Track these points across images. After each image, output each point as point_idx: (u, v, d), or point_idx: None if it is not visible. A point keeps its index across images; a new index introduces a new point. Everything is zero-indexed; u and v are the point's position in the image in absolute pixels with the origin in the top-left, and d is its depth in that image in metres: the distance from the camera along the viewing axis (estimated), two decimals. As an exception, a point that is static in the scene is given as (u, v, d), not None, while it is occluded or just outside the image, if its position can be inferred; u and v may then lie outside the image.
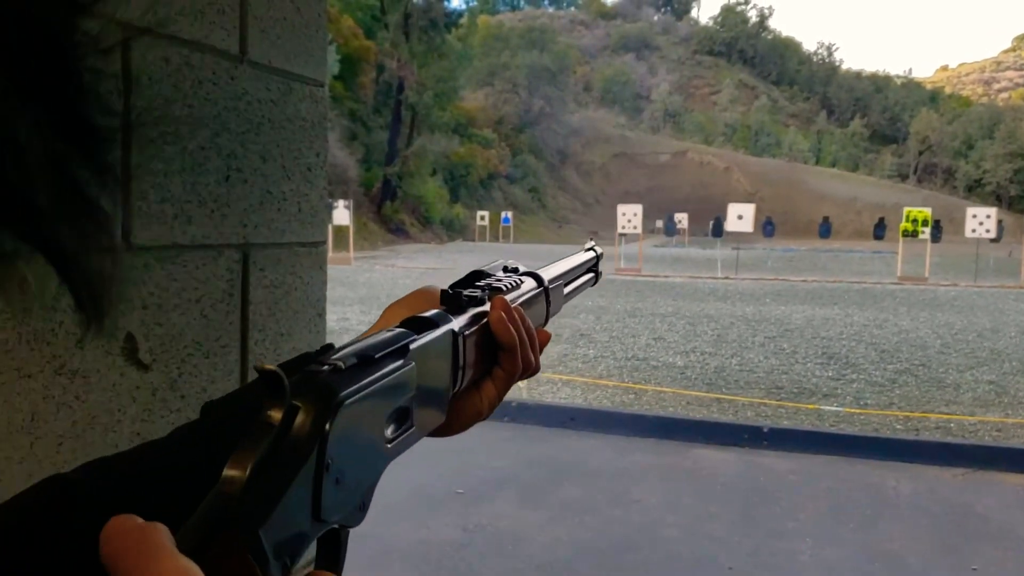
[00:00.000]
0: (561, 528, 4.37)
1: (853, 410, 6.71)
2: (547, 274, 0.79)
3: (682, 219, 38.82)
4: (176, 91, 0.95)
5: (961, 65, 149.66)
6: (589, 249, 0.93)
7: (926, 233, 20.49)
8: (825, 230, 31.27)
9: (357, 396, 0.43)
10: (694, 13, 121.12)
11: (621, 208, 21.81)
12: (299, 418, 0.40)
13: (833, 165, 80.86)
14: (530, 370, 0.68)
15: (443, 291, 0.63)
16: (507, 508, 4.61)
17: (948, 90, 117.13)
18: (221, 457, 0.38)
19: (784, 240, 43.23)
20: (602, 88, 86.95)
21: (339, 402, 0.41)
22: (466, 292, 0.63)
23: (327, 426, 0.40)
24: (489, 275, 0.71)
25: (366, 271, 20.35)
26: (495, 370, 0.66)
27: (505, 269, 0.74)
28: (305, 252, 1.25)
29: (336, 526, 0.43)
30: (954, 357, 9.15)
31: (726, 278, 20.13)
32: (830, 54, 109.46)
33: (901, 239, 20.94)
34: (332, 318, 11.05)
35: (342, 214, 23.01)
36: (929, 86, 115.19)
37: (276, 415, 0.39)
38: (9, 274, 0.25)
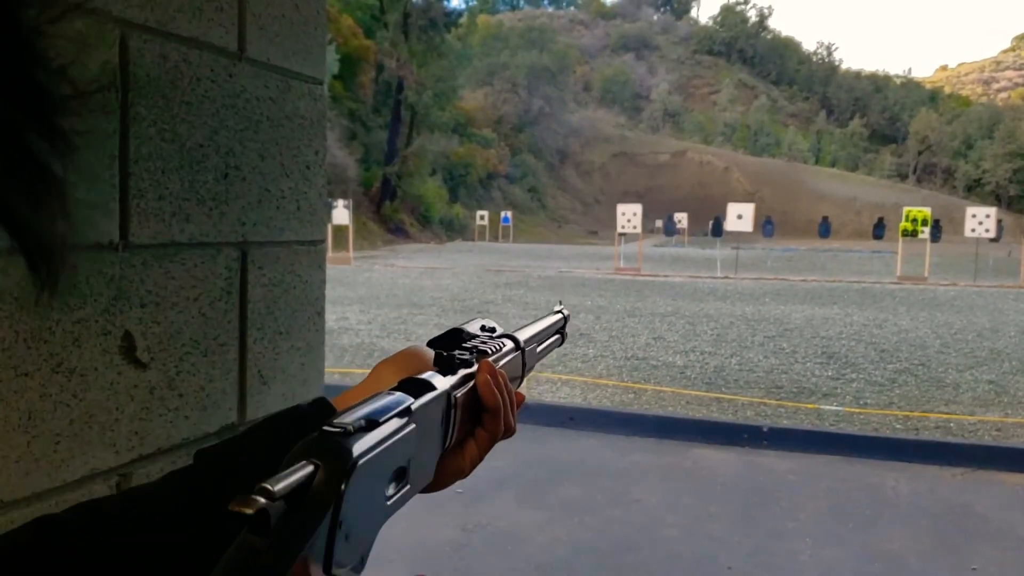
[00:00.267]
0: (560, 528, 4.37)
1: (853, 409, 6.70)
2: (523, 335, 0.82)
3: (681, 219, 38.83)
4: (174, 88, 0.94)
5: (960, 65, 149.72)
6: (558, 311, 0.96)
7: (925, 233, 20.49)
8: (824, 230, 31.25)
9: (368, 456, 0.46)
10: (693, 13, 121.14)
11: (621, 208, 21.80)
12: (318, 476, 0.43)
13: (832, 165, 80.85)
14: (508, 431, 0.70)
15: (437, 353, 0.66)
16: (506, 508, 4.60)
17: (947, 90, 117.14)
18: (211, 506, 0.39)
19: (783, 240, 43.24)
20: (601, 88, 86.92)
21: (354, 463, 0.44)
22: (456, 354, 0.66)
23: (343, 486, 0.43)
24: (469, 334, 0.73)
25: (365, 271, 20.35)
26: (478, 431, 0.68)
27: (483, 328, 0.77)
28: (304, 250, 1.24)
29: None
30: (953, 357, 9.15)
31: (725, 278, 20.12)
32: (829, 54, 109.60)
33: (900, 239, 20.94)
34: (331, 317, 11.05)
35: (341, 214, 23.00)
36: (928, 86, 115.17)
37: (301, 471, 0.42)
38: None
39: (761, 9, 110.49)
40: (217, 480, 0.44)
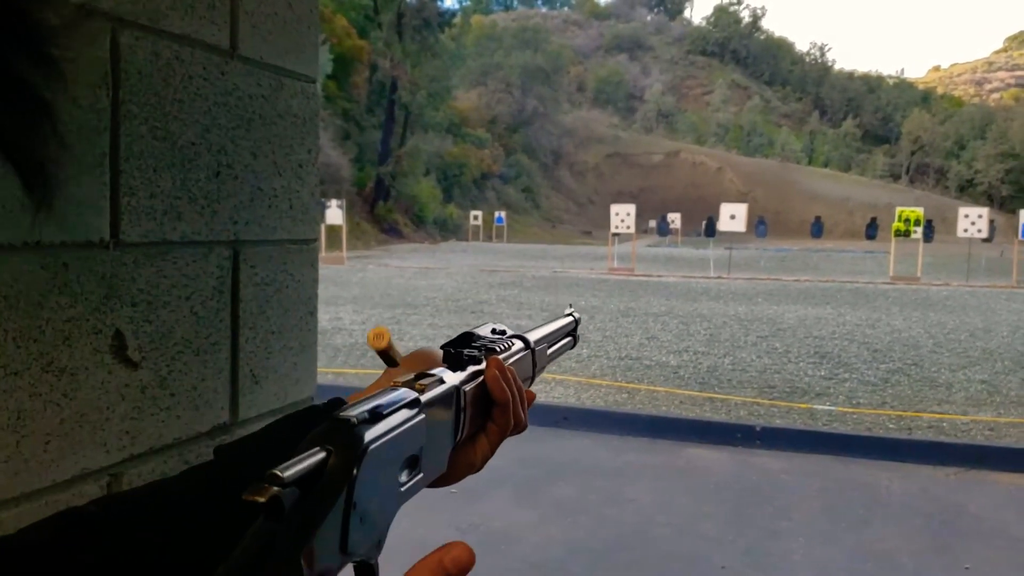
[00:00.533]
0: (554, 527, 4.37)
1: (846, 409, 6.72)
2: (533, 336, 0.85)
3: (675, 219, 38.87)
4: (166, 86, 0.94)
5: (953, 65, 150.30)
6: (569, 314, 1.00)
7: (918, 233, 20.56)
8: (817, 230, 31.33)
9: (379, 443, 0.48)
10: (687, 13, 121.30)
11: (615, 208, 21.83)
12: (331, 461, 0.45)
13: (825, 165, 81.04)
14: (519, 426, 0.72)
15: (445, 351, 0.68)
16: (501, 507, 4.60)
17: (940, 90, 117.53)
18: (231, 501, 0.40)
19: (776, 240, 43.34)
20: (595, 88, 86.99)
21: (365, 448, 0.46)
22: (465, 352, 0.68)
23: (355, 470, 0.45)
24: (479, 336, 0.76)
25: (359, 271, 20.33)
26: (488, 425, 0.70)
27: (493, 331, 0.79)
28: (296, 249, 1.24)
29: (360, 560, 0.48)
30: (946, 356, 9.18)
31: (719, 278, 20.16)
32: (822, 54, 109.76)
33: (893, 239, 21.01)
34: (325, 318, 11.03)
35: (335, 214, 22.98)
36: (921, 86, 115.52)
37: (313, 457, 0.44)
38: None
39: (754, 10, 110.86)
40: (237, 475, 0.45)
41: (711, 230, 24.74)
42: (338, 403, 0.62)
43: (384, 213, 38.96)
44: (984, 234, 21.19)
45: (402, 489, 0.53)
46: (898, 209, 21.67)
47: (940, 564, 4.06)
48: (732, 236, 23.16)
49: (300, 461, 0.44)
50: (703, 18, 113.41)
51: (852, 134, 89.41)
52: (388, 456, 0.49)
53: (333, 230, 23.30)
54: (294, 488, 0.42)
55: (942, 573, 3.97)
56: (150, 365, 0.96)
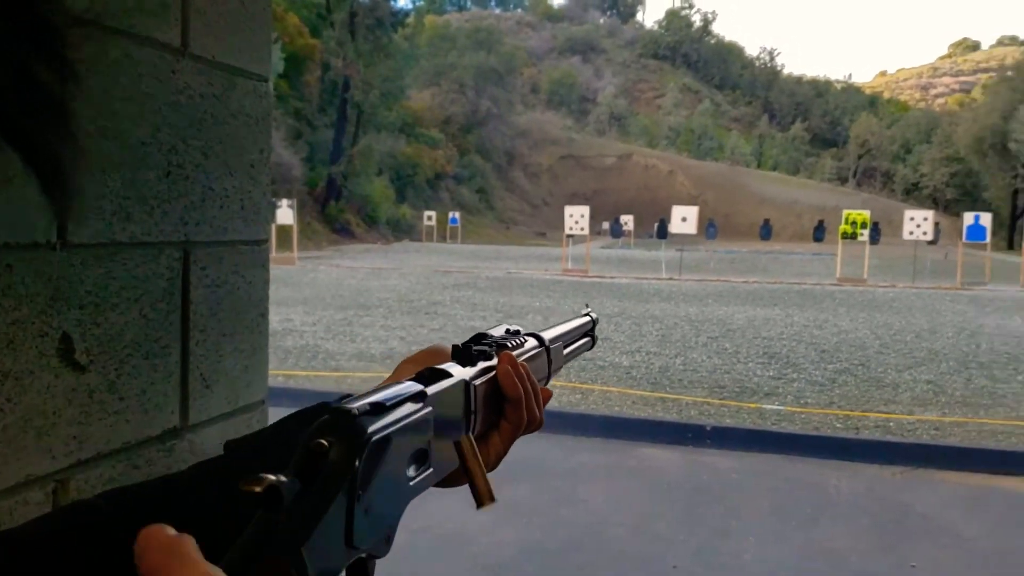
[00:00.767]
0: (508, 529, 4.38)
1: (794, 409, 6.84)
2: (548, 335, 0.84)
3: (628, 221, 39.21)
4: (115, 84, 0.92)
5: (899, 71, 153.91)
6: (586, 314, 0.99)
7: (865, 235, 21.03)
8: (766, 232, 31.85)
9: (382, 434, 0.47)
10: (639, 17, 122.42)
11: (568, 210, 21.94)
12: (333, 452, 0.44)
13: (774, 168, 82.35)
14: (534, 423, 0.72)
15: (454, 346, 0.68)
16: (453, 509, 4.59)
17: (887, 95, 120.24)
18: (238, 493, 0.40)
19: (726, 242, 43.94)
20: (549, 90, 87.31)
21: (367, 438, 0.46)
22: (476, 347, 0.68)
23: (357, 461, 0.44)
24: (492, 336, 0.75)
25: (310, 271, 20.13)
26: (501, 423, 0.69)
27: (507, 331, 0.78)
28: (248, 250, 1.22)
29: (364, 555, 0.47)
30: (892, 357, 9.40)
31: (670, 279, 20.38)
32: (772, 59, 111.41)
33: (840, 241, 21.45)
34: (275, 319, 10.90)
35: (286, 213, 22.73)
36: (868, 91, 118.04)
37: (315, 449, 0.44)
38: None
39: (705, 14, 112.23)
40: (246, 469, 0.45)
41: (663, 232, 25.00)
42: (347, 397, 0.61)
43: (336, 213, 38.62)
44: (929, 236, 21.73)
45: (411, 484, 0.52)
46: (845, 212, 22.16)
47: (887, 563, 4.15)
48: (683, 238, 23.45)
49: (302, 451, 0.44)
50: (655, 22, 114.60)
51: (800, 138, 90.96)
52: (393, 448, 0.49)
53: (284, 230, 23.03)
54: (295, 479, 0.41)
55: (889, 572, 4.06)
56: (98, 368, 0.94)
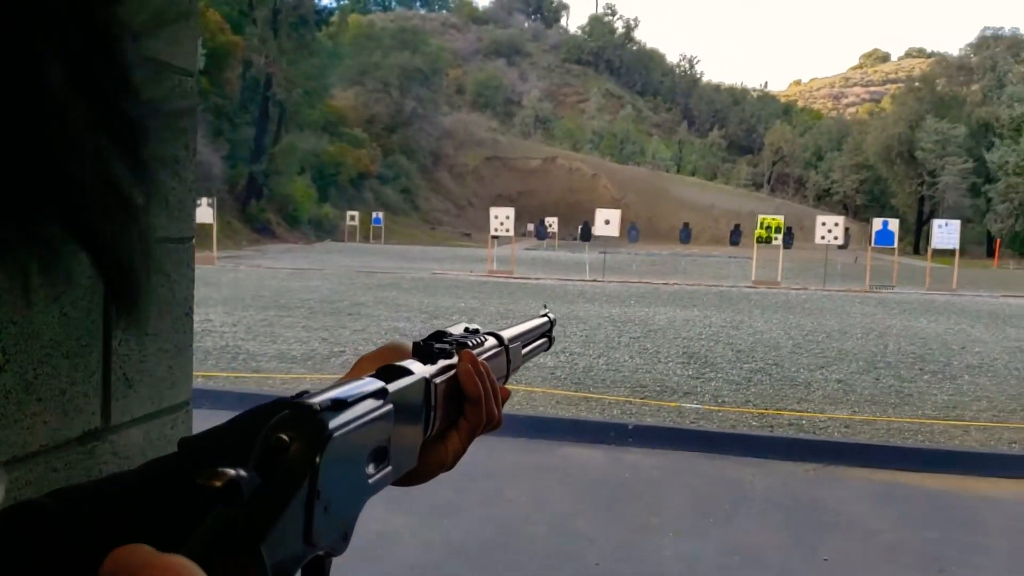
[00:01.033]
0: (432, 530, 4.37)
1: (712, 407, 7.01)
2: (507, 334, 0.85)
3: (552, 223, 39.48)
4: (36, 76, 0.90)
5: (812, 80, 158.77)
6: (544, 315, 1.00)
7: (779, 239, 21.67)
8: (685, 236, 32.49)
9: (343, 431, 0.46)
10: (563, 22, 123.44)
11: (494, 211, 22.02)
12: (293, 448, 0.43)
13: (693, 174, 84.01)
14: (493, 423, 0.71)
15: (415, 343, 0.67)
16: (376, 511, 4.56)
17: (800, 104, 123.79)
18: (193, 490, 0.39)
19: (648, 245, 44.71)
20: (474, 92, 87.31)
21: (329, 435, 0.45)
22: (436, 345, 0.67)
23: (318, 457, 0.43)
24: (451, 334, 0.74)
25: (230, 271, 19.69)
26: (460, 421, 0.68)
27: (466, 330, 0.77)
28: (172, 248, 1.20)
29: (322, 553, 0.46)
30: (805, 357, 9.70)
31: (594, 281, 20.62)
32: (691, 67, 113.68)
33: (755, 245, 22.06)
34: (194, 319, 10.61)
35: (205, 212, 22.19)
36: (783, 99, 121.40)
37: (274, 444, 0.43)
38: (54, 262, 0.26)
39: (628, 21, 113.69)
40: (201, 466, 0.44)
41: (587, 234, 25.28)
42: (304, 394, 0.60)
43: (256, 212, 37.87)
44: (840, 241, 22.50)
45: (370, 481, 0.51)
46: (760, 217, 22.82)
47: (801, 556, 4.30)
48: (606, 240, 23.77)
49: (261, 447, 0.43)
50: (579, 27, 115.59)
51: (718, 144, 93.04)
52: (353, 445, 0.48)
53: (203, 229, 22.47)
54: (254, 474, 0.40)
55: (803, 565, 4.20)
56: (15, 368, 0.91)
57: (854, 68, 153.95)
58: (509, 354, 0.82)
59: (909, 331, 12.42)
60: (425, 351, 0.65)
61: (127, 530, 0.48)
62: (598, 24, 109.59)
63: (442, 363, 0.65)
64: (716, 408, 6.99)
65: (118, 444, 1.09)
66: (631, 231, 30.00)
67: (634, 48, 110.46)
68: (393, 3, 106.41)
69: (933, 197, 60.95)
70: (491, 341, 0.78)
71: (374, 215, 42.27)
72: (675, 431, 6.27)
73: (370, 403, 0.51)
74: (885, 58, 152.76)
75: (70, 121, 0.24)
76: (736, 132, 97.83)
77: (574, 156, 76.81)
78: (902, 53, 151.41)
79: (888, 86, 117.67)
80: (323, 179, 46.91)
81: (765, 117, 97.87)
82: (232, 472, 0.39)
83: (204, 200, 22.75)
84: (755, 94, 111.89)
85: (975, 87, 67.94)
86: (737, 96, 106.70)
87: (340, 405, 0.47)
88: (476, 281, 19.65)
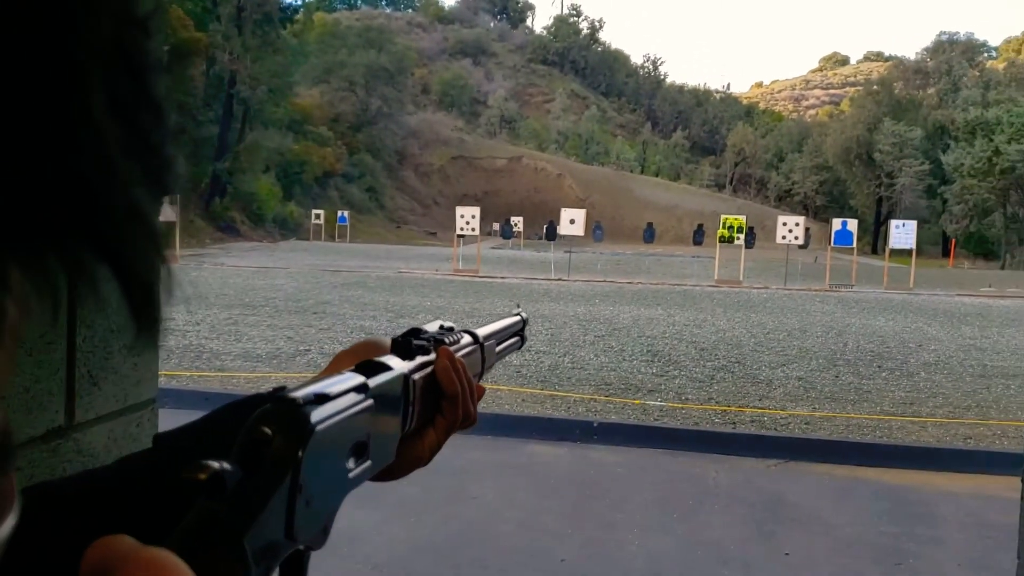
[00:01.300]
0: (398, 527, 4.37)
1: (675, 405, 7.08)
2: (482, 332, 0.85)
3: (518, 222, 39.54)
4: None
5: (774, 82, 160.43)
6: (517, 314, 1.01)
7: (741, 239, 21.92)
8: (649, 235, 32.74)
9: (325, 425, 0.46)
10: (529, 22, 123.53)
11: (460, 210, 22.02)
12: (276, 441, 0.43)
13: (657, 174, 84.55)
14: (469, 420, 0.72)
15: (394, 339, 0.67)
16: (342, 507, 4.54)
17: (762, 105, 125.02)
18: (170, 486, 0.39)
19: (612, 244, 44.98)
20: (440, 91, 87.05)
21: (311, 429, 0.45)
22: (415, 341, 0.67)
23: (301, 451, 0.43)
24: (427, 331, 0.74)
25: (193, 270, 19.45)
26: (437, 418, 0.69)
27: (441, 327, 0.78)
28: (138, 245, 1.20)
29: (302, 547, 0.46)
30: (766, 355, 9.83)
31: (559, 280, 20.69)
32: (655, 68, 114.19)
33: (718, 245, 22.30)
34: (155, 319, 10.47)
35: (167, 210, 21.88)
36: (745, 101, 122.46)
37: (257, 438, 0.43)
38: (91, 286, 0.27)
39: (593, 22, 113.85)
40: (177, 461, 0.44)
41: (552, 234, 25.35)
42: (282, 391, 0.59)
43: (220, 210, 37.46)
44: (800, 241, 22.82)
45: (350, 476, 0.52)
46: (723, 217, 23.08)
47: (763, 551, 4.36)
48: (572, 240, 23.86)
49: (244, 440, 0.43)
50: (544, 28, 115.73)
51: (681, 145, 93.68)
52: (334, 440, 0.48)
53: (166, 227, 22.15)
54: (237, 468, 0.40)
55: (765, 559, 4.26)
56: (-21, 365, 0.91)
57: (814, 71, 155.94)
58: (484, 352, 0.83)
59: (868, 329, 12.63)
60: (403, 347, 0.66)
61: (104, 524, 0.49)
62: (563, 25, 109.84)
63: (420, 359, 0.66)
64: (680, 405, 7.06)
65: (82, 442, 1.09)
66: (596, 231, 30.16)
67: (599, 49, 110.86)
68: (359, 2, 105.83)
69: (891, 198, 62.04)
70: (467, 339, 0.79)
71: (339, 214, 42.01)
72: (640, 428, 6.32)
73: (351, 397, 0.51)
74: (844, 61, 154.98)
75: (108, 147, 0.25)
76: (699, 133, 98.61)
77: (539, 156, 76.94)
78: (861, 56, 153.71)
79: (847, 89, 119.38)
80: (288, 177, 46.52)
81: (728, 118, 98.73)
82: (216, 465, 0.39)
83: (166, 197, 22.47)
84: (718, 96, 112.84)
85: (931, 91, 69.33)
86: (700, 97, 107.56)
87: (322, 399, 0.48)
88: (442, 280, 19.62)
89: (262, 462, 0.42)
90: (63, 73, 0.24)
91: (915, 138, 61.46)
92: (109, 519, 0.50)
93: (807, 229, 25.44)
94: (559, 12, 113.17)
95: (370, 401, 0.53)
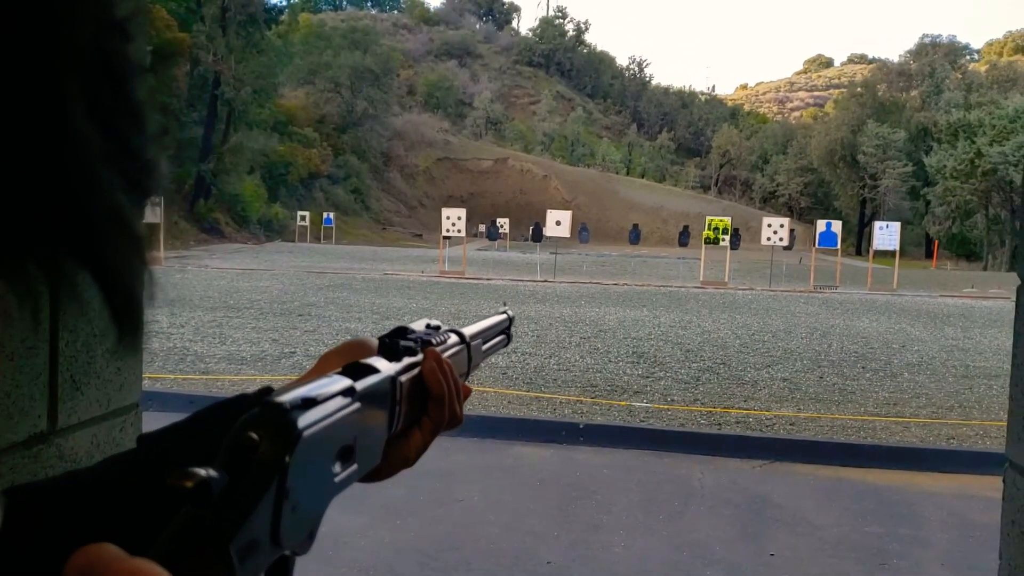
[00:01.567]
0: (383, 530, 4.36)
1: (661, 406, 7.09)
2: (468, 331, 0.85)
3: (504, 224, 39.52)
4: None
5: (759, 84, 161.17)
6: (503, 312, 1.01)
7: (726, 241, 22.01)
8: (635, 237, 32.82)
9: (312, 430, 0.46)
10: (515, 24, 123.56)
11: (445, 212, 22.01)
12: (262, 447, 0.43)
13: (642, 176, 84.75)
14: (455, 421, 0.71)
15: (381, 339, 0.66)
16: (328, 511, 4.53)
17: (747, 107, 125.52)
18: (154, 489, 0.39)
19: (598, 246, 45.07)
20: (426, 92, 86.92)
21: (298, 434, 0.44)
22: (402, 342, 0.66)
23: (287, 457, 0.43)
24: (414, 330, 0.74)
25: (178, 271, 19.34)
26: (423, 419, 0.69)
27: (428, 326, 0.77)
28: (121, 249, 1.19)
29: (288, 553, 0.46)
30: (752, 356, 9.87)
31: (545, 281, 20.70)
32: (641, 70, 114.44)
33: (703, 246, 22.38)
34: (139, 322, 10.40)
35: (151, 211, 21.70)
36: (730, 103, 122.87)
37: (244, 443, 0.42)
38: (72, 291, 0.27)
39: (579, 23, 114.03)
40: (160, 463, 0.44)
41: (538, 235, 25.37)
42: (268, 391, 0.57)
43: (205, 212, 37.26)
44: (785, 242, 22.94)
45: (336, 480, 0.51)
46: (708, 218, 23.16)
47: (748, 551, 4.37)
48: (557, 241, 23.89)
49: (230, 445, 0.42)
50: (530, 29, 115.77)
51: (667, 147, 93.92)
52: (321, 444, 0.47)
53: (149, 228, 22.01)
54: (223, 474, 0.40)
55: (750, 560, 4.28)
56: (-41, 370, 0.90)
57: (799, 73, 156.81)
58: (471, 351, 0.83)
59: (852, 330, 12.71)
60: (390, 348, 0.65)
61: (87, 525, 0.48)
62: (549, 27, 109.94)
63: (407, 360, 0.65)
64: (665, 407, 7.08)
65: (64, 447, 1.08)
66: (582, 232, 30.20)
67: (585, 51, 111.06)
68: (344, 3, 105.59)
69: (874, 200, 62.46)
70: (453, 338, 0.79)
71: (325, 215, 41.89)
72: (625, 430, 6.34)
73: (338, 401, 0.50)
74: (828, 63, 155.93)
75: (88, 153, 0.25)
76: (684, 135, 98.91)
77: (525, 157, 76.98)
78: (844, 59, 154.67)
79: (831, 91, 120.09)
80: (273, 179, 46.32)
81: (713, 120, 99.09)
82: (203, 472, 0.38)
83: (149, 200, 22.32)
84: (703, 97, 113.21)
85: (914, 93, 69.81)
86: (685, 99, 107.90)
87: (309, 403, 0.47)
88: (427, 281, 19.59)
89: (248, 468, 0.42)
90: (42, 80, 0.23)
91: (898, 140, 61.91)
92: (92, 520, 0.50)
93: (792, 230, 25.56)
94: (545, 14, 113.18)
95: (357, 405, 0.53)
